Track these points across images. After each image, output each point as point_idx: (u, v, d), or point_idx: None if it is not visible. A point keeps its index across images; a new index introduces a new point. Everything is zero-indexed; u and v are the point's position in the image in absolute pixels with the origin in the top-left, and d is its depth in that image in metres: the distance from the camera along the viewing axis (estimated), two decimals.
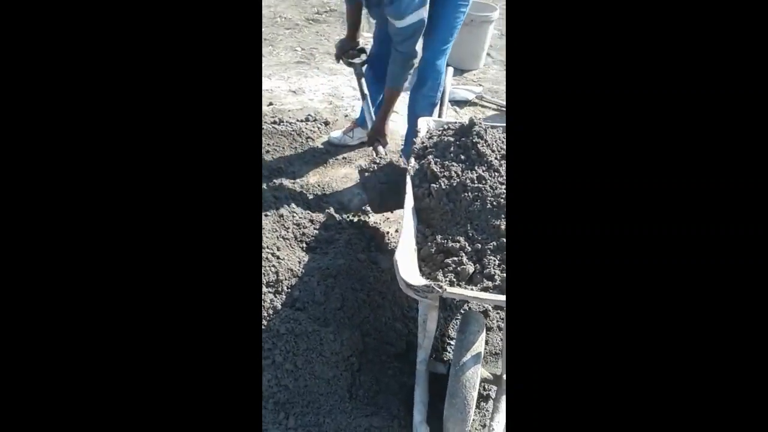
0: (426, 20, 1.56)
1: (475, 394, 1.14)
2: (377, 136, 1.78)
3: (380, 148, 1.74)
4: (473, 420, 1.31)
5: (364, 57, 1.90)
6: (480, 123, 1.29)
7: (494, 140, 1.25)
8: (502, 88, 2.94)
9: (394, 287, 1.57)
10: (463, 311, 1.58)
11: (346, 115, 2.44)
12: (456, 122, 1.38)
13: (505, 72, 3.07)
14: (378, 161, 1.53)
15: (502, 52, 3.29)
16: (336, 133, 2.21)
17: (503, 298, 1.03)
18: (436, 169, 1.21)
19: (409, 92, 2.00)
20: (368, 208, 1.81)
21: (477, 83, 2.97)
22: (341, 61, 1.92)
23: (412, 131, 1.94)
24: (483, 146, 1.22)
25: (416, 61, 1.65)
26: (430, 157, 1.26)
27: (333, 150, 2.18)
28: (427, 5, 1.54)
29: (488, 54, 3.17)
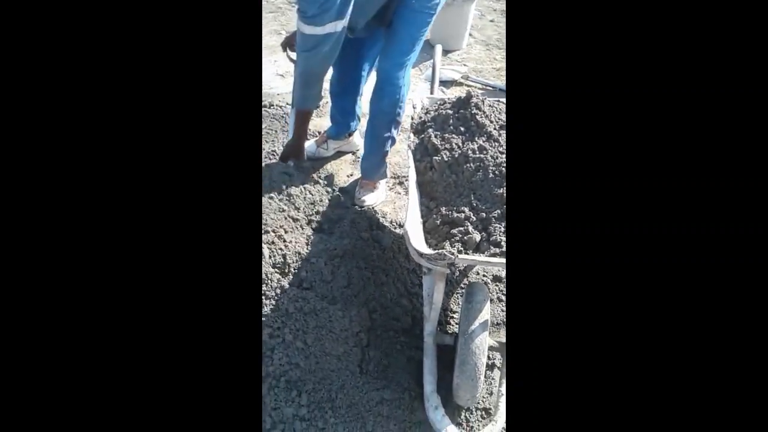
0: (340, 36, 1.33)
1: (484, 361, 1.17)
2: (292, 155, 1.63)
3: (291, 164, 1.60)
4: (481, 389, 1.35)
5: None
6: (477, 95, 1.30)
7: (492, 111, 1.27)
8: (486, 67, 2.96)
9: (397, 265, 1.59)
10: (464, 284, 1.61)
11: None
12: (452, 96, 1.39)
13: (486, 52, 3.09)
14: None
15: (483, 32, 3.30)
16: (309, 147, 2.01)
17: None
18: (437, 142, 1.22)
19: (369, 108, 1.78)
20: (365, 200, 1.78)
21: (461, 63, 2.98)
22: (286, 53, 1.69)
23: (368, 147, 1.78)
24: (482, 117, 1.23)
25: (317, 78, 1.44)
26: (429, 130, 1.27)
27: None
28: (345, 18, 1.30)
29: (470, 34, 3.18)
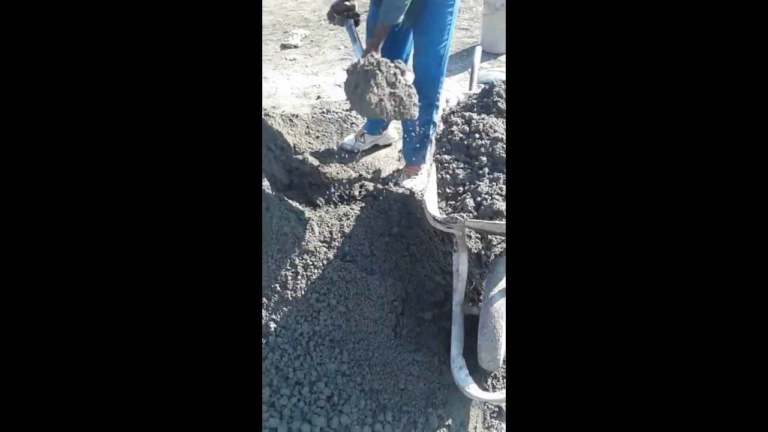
0: None
1: (504, 323, 1.27)
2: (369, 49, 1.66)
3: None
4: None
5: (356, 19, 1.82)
6: (500, 85, 1.42)
7: None
8: None
9: (433, 247, 1.73)
10: None
11: None
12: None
13: None
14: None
15: None
16: (349, 140, 2.26)
17: None
18: (456, 119, 1.37)
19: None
20: (404, 181, 1.99)
21: None
22: (333, 21, 1.84)
23: (409, 131, 1.95)
24: (503, 104, 1.35)
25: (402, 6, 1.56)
26: (452, 116, 1.41)
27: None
28: None
29: None
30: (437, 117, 1.94)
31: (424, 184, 2.04)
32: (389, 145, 2.34)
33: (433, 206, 1.16)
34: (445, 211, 1.20)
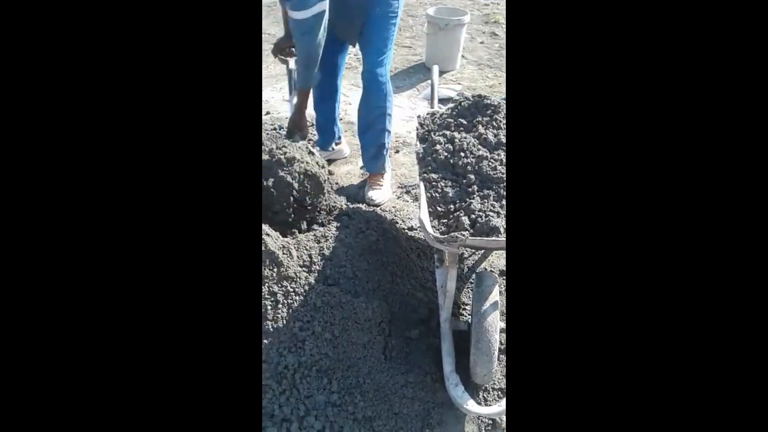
0: (326, 13, 1.53)
1: (498, 338, 1.29)
2: (296, 128, 1.80)
3: (298, 138, 1.78)
4: (496, 371, 1.46)
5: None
6: (463, 100, 1.49)
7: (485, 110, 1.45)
8: (479, 85, 3.16)
9: (410, 263, 1.72)
10: (473, 280, 1.74)
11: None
12: (450, 106, 1.57)
13: (479, 71, 3.30)
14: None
15: (474, 53, 3.53)
16: None
17: None
18: (438, 138, 1.39)
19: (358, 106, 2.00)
20: (374, 198, 1.98)
21: (456, 82, 3.19)
22: (276, 58, 1.93)
23: (366, 141, 2.01)
24: (478, 116, 1.40)
25: (316, 59, 1.61)
26: (432, 134, 1.44)
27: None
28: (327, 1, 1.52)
29: (462, 56, 3.40)
30: (390, 125, 2.01)
31: (388, 195, 2.07)
32: (343, 158, 2.33)
33: (429, 225, 1.15)
34: (438, 229, 1.20)
